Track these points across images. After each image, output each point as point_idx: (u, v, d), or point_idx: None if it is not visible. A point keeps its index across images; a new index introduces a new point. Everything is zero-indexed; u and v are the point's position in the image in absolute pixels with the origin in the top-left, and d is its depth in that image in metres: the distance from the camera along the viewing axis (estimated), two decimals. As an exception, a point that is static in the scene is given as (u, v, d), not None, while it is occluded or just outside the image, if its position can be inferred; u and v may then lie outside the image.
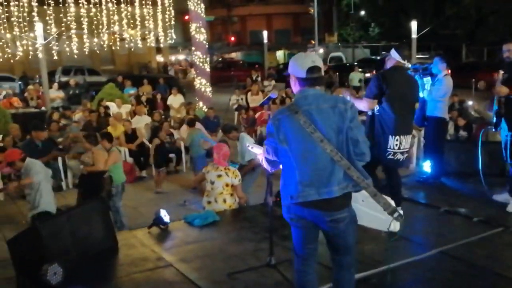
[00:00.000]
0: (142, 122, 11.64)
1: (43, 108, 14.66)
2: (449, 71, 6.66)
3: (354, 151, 3.04)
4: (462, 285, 4.13)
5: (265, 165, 3.36)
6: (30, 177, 5.92)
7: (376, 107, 4.98)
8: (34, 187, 5.96)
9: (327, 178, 3.00)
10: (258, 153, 3.63)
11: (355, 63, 27.78)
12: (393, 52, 5.11)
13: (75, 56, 17.74)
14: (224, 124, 9.72)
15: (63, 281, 4.05)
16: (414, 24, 17.09)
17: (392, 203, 3.08)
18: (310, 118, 3.00)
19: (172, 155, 10.26)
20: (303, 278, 3.31)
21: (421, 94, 6.72)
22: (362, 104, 5.02)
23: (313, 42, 36.33)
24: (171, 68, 35.94)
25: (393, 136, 4.92)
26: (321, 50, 39.22)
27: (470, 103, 11.74)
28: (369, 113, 5.08)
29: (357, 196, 3.27)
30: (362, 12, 39.99)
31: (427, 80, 6.55)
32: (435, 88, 6.53)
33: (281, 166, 3.24)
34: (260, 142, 8.89)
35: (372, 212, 3.17)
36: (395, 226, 3.18)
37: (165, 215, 5.41)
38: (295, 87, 3.19)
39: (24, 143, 8.58)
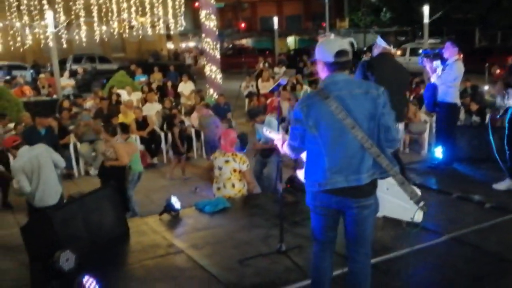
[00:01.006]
0: (153, 110, 11.66)
1: (54, 96, 14.75)
2: (461, 55, 6.57)
3: (385, 138, 3.00)
4: (473, 271, 4.11)
5: (286, 150, 3.31)
6: (16, 185, 5.82)
7: None
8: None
9: (357, 165, 2.96)
10: (276, 138, 3.62)
11: (365, 49, 27.48)
12: (379, 40, 5.15)
13: (84, 44, 17.77)
14: (249, 109, 9.73)
15: (75, 267, 4.09)
16: (426, 9, 16.88)
17: (419, 192, 3.06)
18: (342, 103, 2.92)
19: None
20: (320, 264, 3.30)
21: (432, 80, 6.67)
22: None
23: (324, 24, 35.99)
24: (188, 55, 34.92)
25: None
26: (332, 36, 38.86)
27: (486, 87, 11.56)
28: None
29: (382, 184, 3.24)
30: (374, -3, 39.44)
31: (437, 64, 6.47)
32: (446, 73, 6.45)
33: (303, 155, 3.21)
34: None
35: (396, 200, 3.13)
36: (419, 216, 3.14)
37: (176, 202, 5.44)
38: (322, 73, 3.11)
39: (26, 129, 8.49)
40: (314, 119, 2.97)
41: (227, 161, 5.80)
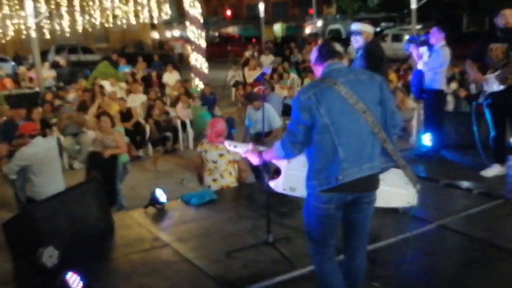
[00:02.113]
0: (137, 101, 11.51)
1: (36, 88, 14.50)
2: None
3: (390, 123, 2.95)
4: (463, 258, 4.10)
5: (274, 154, 3.08)
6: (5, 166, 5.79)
7: None
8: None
9: (369, 152, 2.86)
10: (245, 150, 3.41)
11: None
12: (366, 27, 5.09)
13: (68, 35, 17.48)
14: (248, 92, 9.63)
15: (59, 263, 4.00)
16: (414, -6, 16.76)
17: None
18: (351, 89, 2.83)
19: (168, 134, 10.16)
20: (337, 277, 3.06)
21: (418, 66, 6.63)
22: None
23: (311, 11, 35.87)
24: (178, 44, 33.48)
25: None
26: (320, 23, 38.78)
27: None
28: None
29: None
30: (360, -18, 39.36)
31: (424, 51, 6.42)
32: (432, 59, 6.41)
33: (300, 157, 3.01)
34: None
35: (393, 189, 3.07)
36: (415, 200, 3.13)
37: (161, 195, 5.36)
38: (318, 68, 3.05)
39: (4, 122, 8.32)
40: (325, 105, 2.80)
41: (221, 155, 5.70)
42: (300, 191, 3.13)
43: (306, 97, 2.84)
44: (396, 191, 3.11)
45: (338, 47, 3.04)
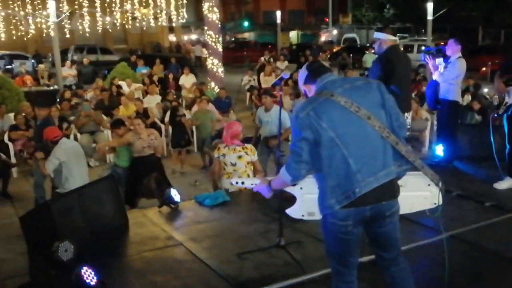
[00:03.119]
0: (153, 102, 11.64)
1: (55, 86, 14.71)
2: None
3: (397, 125, 2.86)
4: (473, 269, 4.10)
5: (282, 179, 2.88)
6: (46, 162, 5.97)
7: None
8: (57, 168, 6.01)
9: (382, 158, 2.75)
10: (256, 183, 3.25)
11: (368, 45, 27.48)
12: (381, 35, 5.01)
13: (87, 35, 17.71)
14: (267, 89, 9.66)
15: (74, 258, 4.08)
16: (430, 5, 16.77)
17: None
18: (350, 97, 2.73)
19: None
20: None
21: (434, 77, 6.66)
22: None
23: (327, 19, 35.92)
24: (198, 47, 32.12)
25: (403, 114, 4.87)
26: (335, 31, 38.84)
27: (485, 90, 11.38)
28: None
29: None
30: (377, -7, 39.36)
31: (440, 62, 6.45)
32: (448, 71, 6.44)
33: (313, 180, 2.89)
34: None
35: (415, 193, 3.01)
36: (440, 198, 3.09)
37: (175, 195, 5.44)
38: (311, 91, 2.94)
39: (41, 123, 7.99)
40: (327, 119, 2.70)
41: (240, 157, 5.76)
42: (319, 214, 3.03)
43: (305, 114, 2.74)
44: (419, 194, 3.04)
45: (326, 63, 3.05)
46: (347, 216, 2.72)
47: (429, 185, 3.03)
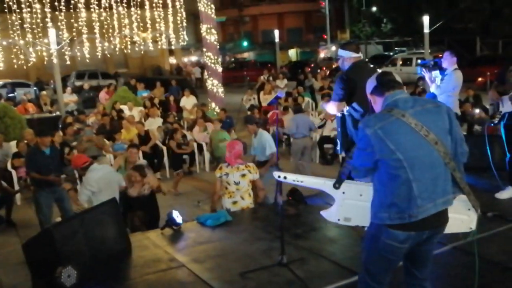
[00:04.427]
0: (155, 124, 11.72)
1: (57, 112, 14.83)
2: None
3: (460, 151, 2.85)
4: (477, 281, 4.08)
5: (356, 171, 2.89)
6: (77, 198, 5.97)
7: (346, 108, 4.82)
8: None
9: (442, 186, 2.74)
10: (298, 180, 3.33)
11: (367, 60, 27.64)
12: (343, 52, 4.87)
13: (87, 61, 17.91)
14: (248, 115, 9.77)
15: (77, 283, 4.09)
16: (426, 19, 16.97)
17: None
18: (421, 120, 2.69)
19: (185, 157, 10.30)
20: None
21: (431, 90, 6.69)
22: (330, 109, 4.91)
23: (325, 36, 36.19)
24: (198, 69, 32.49)
25: None
26: (333, 48, 39.08)
27: (476, 111, 11.02)
28: (338, 114, 4.89)
29: None
30: (374, 8, 39.74)
31: (436, 74, 6.50)
32: (445, 83, 6.47)
33: (357, 187, 2.94)
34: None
35: (456, 215, 3.03)
36: (475, 223, 3.11)
37: (177, 216, 5.44)
38: (376, 105, 2.92)
39: (29, 152, 7.56)
40: (395, 140, 2.66)
41: (243, 175, 5.79)
42: (355, 221, 3.08)
43: (373, 132, 2.69)
44: (458, 217, 3.04)
45: (398, 77, 2.92)
46: (407, 239, 2.73)
47: (469, 209, 3.04)
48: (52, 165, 6.82)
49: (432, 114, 2.76)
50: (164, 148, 10.36)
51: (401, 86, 2.88)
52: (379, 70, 5.32)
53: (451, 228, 3.02)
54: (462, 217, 3.06)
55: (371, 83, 2.95)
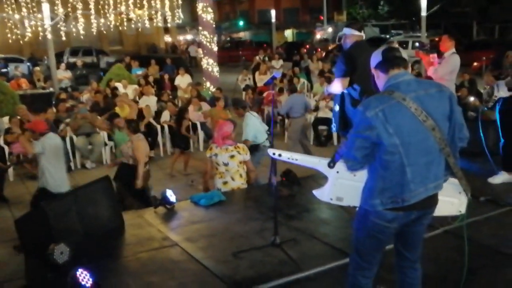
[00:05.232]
0: (149, 103, 11.63)
1: (51, 88, 14.70)
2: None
3: (458, 136, 2.84)
4: (469, 264, 4.11)
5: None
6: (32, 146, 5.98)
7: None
8: (39, 161, 6.03)
9: (435, 171, 2.76)
10: (293, 157, 3.28)
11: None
12: (346, 29, 4.98)
13: (82, 37, 17.69)
14: (236, 98, 9.72)
15: (70, 260, 4.09)
16: (424, 2, 16.84)
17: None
18: (421, 105, 2.67)
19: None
20: None
21: (428, 73, 6.67)
22: (335, 86, 4.89)
23: (322, 17, 35.99)
24: (194, 47, 31.99)
25: None
26: (330, 29, 38.86)
27: (471, 99, 10.96)
28: (344, 91, 4.91)
29: None
30: (372, -10, 39.49)
31: (434, 57, 6.47)
32: (441, 67, 6.44)
33: (362, 172, 2.87)
34: (268, 122, 8.87)
35: (445, 198, 3.03)
36: (464, 207, 3.11)
37: (171, 195, 5.44)
38: (379, 80, 2.87)
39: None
40: (395, 124, 2.64)
41: (232, 156, 5.78)
42: (347, 200, 3.08)
43: (374, 114, 2.66)
44: (448, 200, 3.05)
45: (404, 53, 2.86)
46: (394, 218, 2.76)
47: (460, 192, 3.04)
48: None
49: (434, 99, 2.73)
50: (158, 127, 10.31)
51: (406, 64, 2.83)
52: None
53: (441, 210, 3.03)
54: (452, 200, 3.07)
55: (376, 57, 2.89)
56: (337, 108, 4.94)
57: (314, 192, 3.22)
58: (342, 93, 4.88)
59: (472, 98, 9.64)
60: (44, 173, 5.96)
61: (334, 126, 5.14)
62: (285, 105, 9.46)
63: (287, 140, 9.67)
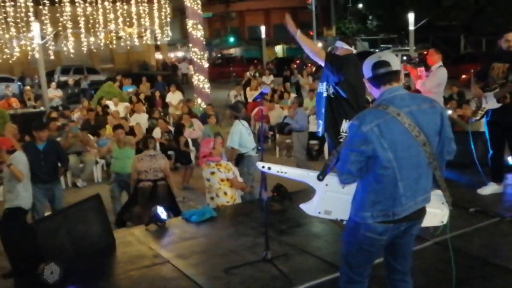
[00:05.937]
0: (140, 120, 11.64)
1: (41, 108, 14.68)
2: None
3: (447, 150, 2.88)
4: (458, 276, 4.11)
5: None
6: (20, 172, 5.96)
7: (331, 90, 4.86)
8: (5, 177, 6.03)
9: (424, 184, 2.80)
10: (282, 171, 3.24)
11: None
12: (338, 42, 5.07)
13: (72, 56, 17.74)
14: (236, 103, 9.70)
15: (60, 280, 4.06)
16: (411, 16, 17.08)
17: None
18: (414, 120, 2.69)
19: (170, 152, 10.26)
20: None
21: (416, 86, 6.75)
22: (315, 49, 4.94)
23: (311, 33, 36.24)
24: (185, 64, 31.95)
25: (346, 120, 4.77)
26: (320, 44, 39.15)
27: (449, 112, 10.92)
28: (324, 94, 4.94)
29: None
30: (360, 5, 39.90)
31: (421, 71, 6.55)
32: (429, 80, 6.52)
33: (335, 176, 2.87)
34: (258, 138, 8.87)
35: (430, 209, 3.03)
36: (447, 218, 3.13)
37: (162, 212, 5.43)
38: (372, 90, 2.90)
39: (22, 147, 7.27)
40: (389, 139, 2.66)
41: (212, 173, 5.86)
42: (336, 214, 3.06)
43: (369, 129, 2.66)
44: (432, 211, 3.06)
45: (396, 64, 2.82)
46: (385, 231, 2.78)
47: (443, 203, 3.06)
48: (45, 161, 6.68)
49: (426, 115, 2.76)
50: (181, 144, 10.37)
51: (398, 77, 2.81)
52: None
53: (424, 221, 3.04)
54: (435, 211, 3.09)
55: (366, 69, 2.87)
56: (323, 109, 4.96)
57: (302, 206, 3.20)
58: (328, 95, 4.92)
59: (456, 116, 9.66)
60: (10, 192, 5.95)
61: (320, 130, 5.10)
62: (300, 119, 9.47)
63: (294, 155, 9.68)
